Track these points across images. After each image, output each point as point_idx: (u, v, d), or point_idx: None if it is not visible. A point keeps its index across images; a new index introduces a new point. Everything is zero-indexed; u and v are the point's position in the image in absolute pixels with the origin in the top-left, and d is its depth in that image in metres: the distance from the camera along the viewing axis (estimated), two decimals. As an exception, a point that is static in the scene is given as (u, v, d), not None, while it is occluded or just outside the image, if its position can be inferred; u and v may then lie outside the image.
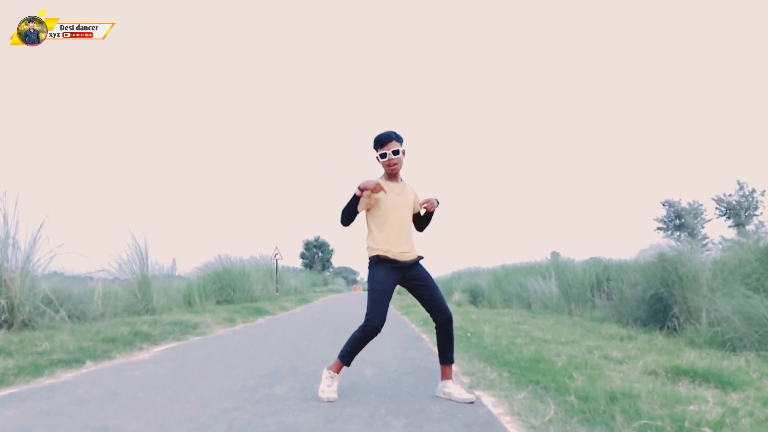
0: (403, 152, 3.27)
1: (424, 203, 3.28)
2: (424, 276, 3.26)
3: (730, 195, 34.93)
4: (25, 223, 6.41)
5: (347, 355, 3.18)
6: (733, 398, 2.93)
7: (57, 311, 6.34)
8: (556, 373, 3.66)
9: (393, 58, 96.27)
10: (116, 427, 2.48)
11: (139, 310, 8.41)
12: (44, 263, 6.62)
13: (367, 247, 3.27)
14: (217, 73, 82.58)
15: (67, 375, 3.82)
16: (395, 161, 3.24)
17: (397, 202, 3.24)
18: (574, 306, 10.45)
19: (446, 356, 3.26)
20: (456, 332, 4.02)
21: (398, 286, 3.29)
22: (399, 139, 3.24)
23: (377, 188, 3.05)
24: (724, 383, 3.37)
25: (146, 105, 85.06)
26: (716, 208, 35.68)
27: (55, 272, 7.29)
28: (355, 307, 14.00)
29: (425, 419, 2.71)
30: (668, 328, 6.46)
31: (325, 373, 3.20)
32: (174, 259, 13.48)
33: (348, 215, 3.16)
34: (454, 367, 3.37)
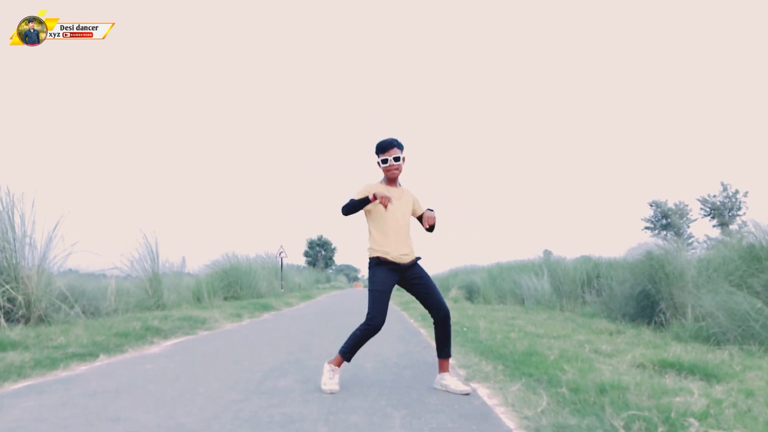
0: (403, 159, 3.29)
1: (424, 221, 3.33)
2: (422, 275, 3.27)
3: (714, 196, 34.87)
4: (41, 223, 6.41)
5: (348, 351, 3.18)
6: (718, 390, 2.93)
7: (72, 307, 6.34)
8: (548, 366, 3.66)
9: (393, 60, 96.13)
10: (128, 418, 2.48)
11: (150, 305, 8.41)
12: (59, 261, 6.63)
13: (368, 248, 3.28)
14: (220, 73, 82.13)
15: (81, 368, 3.82)
16: (396, 167, 3.26)
17: (397, 207, 3.25)
18: (566, 302, 10.45)
19: (444, 350, 3.27)
20: (453, 327, 4.02)
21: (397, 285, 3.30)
22: (400, 147, 3.27)
23: (386, 204, 3.07)
24: (708, 376, 3.37)
25: (147, 105, 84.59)
26: (701, 209, 35.63)
27: (70, 270, 7.29)
28: (356, 303, 14.00)
29: (423, 410, 2.71)
30: (655, 323, 6.46)
31: (327, 366, 3.20)
32: (183, 257, 13.47)
33: (352, 210, 3.16)
34: (451, 360, 3.37)
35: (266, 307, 10.92)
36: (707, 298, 5.46)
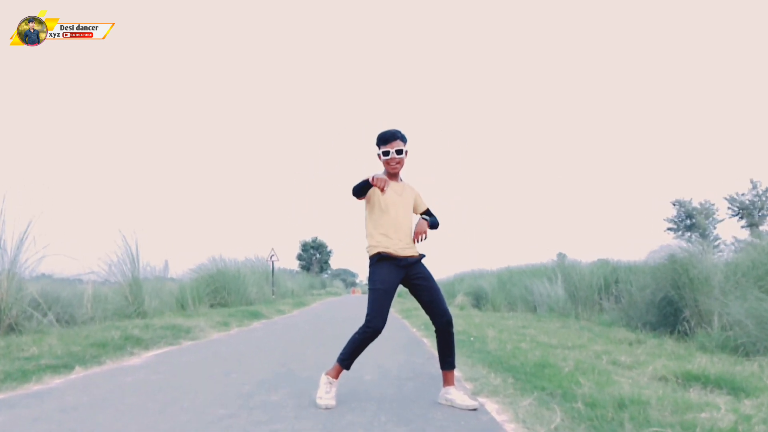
0: (406, 153, 3.29)
1: (414, 234, 3.28)
2: (427, 276, 3.27)
3: (743, 194, 34.92)
4: (12, 224, 6.41)
5: (347, 358, 3.18)
6: (747, 405, 2.93)
7: (45, 315, 6.34)
8: (562, 378, 3.66)
9: (393, 58, 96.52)
10: (106, 435, 2.48)
11: (130, 313, 8.40)
12: (32, 265, 6.63)
13: (367, 247, 3.28)
14: (216, 73, 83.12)
15: (55, 381, 3.82)
16: (397, 160, 3.27)
17: (397, 202, 3.26)
18: (581, 309, 10.45)
19: (447, 361, 3.27)
20: (459, 337, 4.02)
21: (399, 287, 3.29)
22: (404, 139, 3.27)
23: (382, 188, 3.04)
24: (736, 389, 3.37)
25: (145, 105, 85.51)
26: (728, 208, 35.68)
27: (43, 274, 7.30)
28: (353, 310, 14.00)
29: (427, 426, 2.71)
30: (679, 332, 6.47)
31: (323, 378, 3.20)
32: (166, 261, 13.44)
33: (361, 192, 3.14)
34: (456, 372, 3.37)
35: (256, 315, 10.93)
36: (735, 305, 5.46)
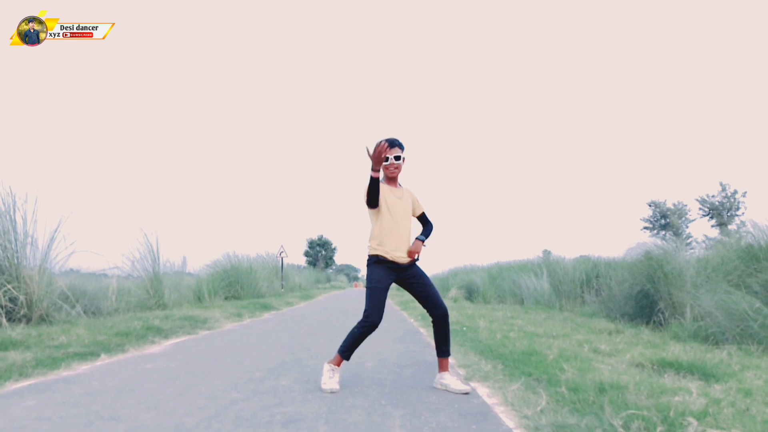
0: (404, 159, 3.30)
1: (409, 252, 3.24)
2: (419, 275, 3.28)
3: (713, 196, 34.87)
4: (43, 223, 6.42)
5: (347, 350, 3.18)
6: (716, 389, 2.93)
7: (73, 307, 6.34)
8: (547, 365, 3.66)
9: (393, 60, 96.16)
10: (129, 417, 2.48)
11: (151, 305, 8.41)
12: (61, 261, 6.63)
13: (368, 246, 3.28)
14: (221, 73, 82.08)
15: (82, 367, 3.82)
16: (396, 166, 3.28)
17: (397, 206, 3.26)
18: (565, 302, 10.45)
19: (443, 349, 3.27)
20: (452, 327, 4.02)
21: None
22: (401, 147, 3.29)
23: (381, 153, 2.98)
24: (707, 375, 3.37)
25: (148, 105, 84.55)
26: (700, 209, 35.62)
27: (71, 269, 7.29)
28: (356, 302, 13.99)
29: (423, 409, 2.71)
30: (654, 322, 6.47)
31: (326, 366, 3.20)
32: (184, 257, 13.40)
33: (373, 196, 3.11)
34: (450, 359, 3.37)
35: (267, 307, 10.92)
36: (706, 297, 5.46)
